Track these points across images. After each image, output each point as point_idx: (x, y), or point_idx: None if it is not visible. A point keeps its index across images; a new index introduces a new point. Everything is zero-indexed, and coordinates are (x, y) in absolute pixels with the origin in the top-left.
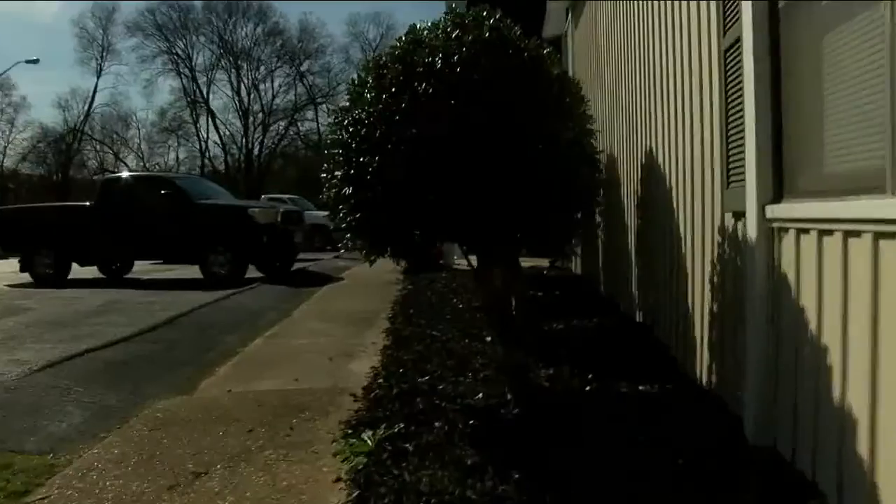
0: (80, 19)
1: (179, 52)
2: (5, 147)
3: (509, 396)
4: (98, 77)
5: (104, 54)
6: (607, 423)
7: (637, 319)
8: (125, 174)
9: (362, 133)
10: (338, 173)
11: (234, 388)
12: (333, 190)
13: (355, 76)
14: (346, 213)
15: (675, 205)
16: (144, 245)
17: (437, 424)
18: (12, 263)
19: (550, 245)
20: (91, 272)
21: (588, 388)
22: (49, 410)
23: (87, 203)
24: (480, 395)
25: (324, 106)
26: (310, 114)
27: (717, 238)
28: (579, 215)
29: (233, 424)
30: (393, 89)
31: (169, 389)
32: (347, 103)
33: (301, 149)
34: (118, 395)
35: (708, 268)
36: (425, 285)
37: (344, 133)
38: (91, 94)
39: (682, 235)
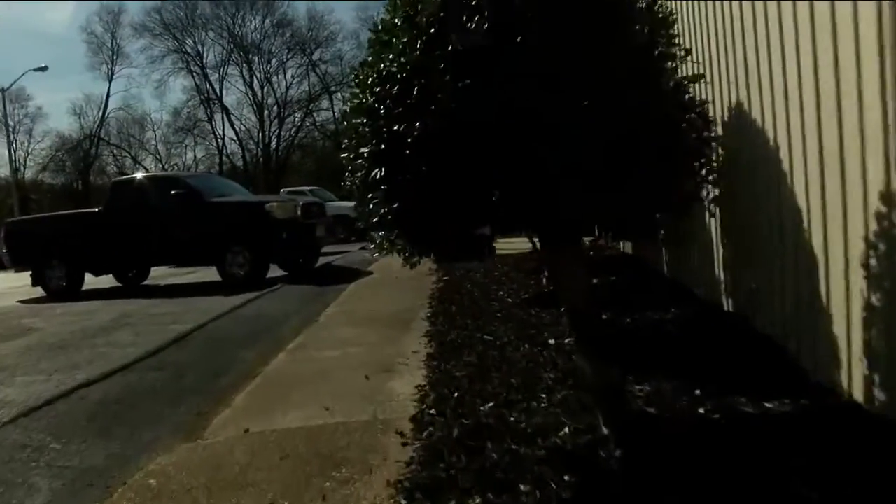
0: (87, 24)
1: (189, 51)
2: (25, 158)
3: (605, 431)
4: (110, 81)
5: (114, 58)
6: (753, 468)
7: (726, 308)
8: (134, 176)
9: (394, 92)
10: (364, 150)
11: (251, 427)
12: (359, 174)
13: (379, 20)
14: (378, 204)
15: (790, 167)
16: (158, 250)
17: (522, 489)
18: (27, 278)
19: (643, 228)
20: (108, 281)
21: (702, 410)
22: (6, 486)
23: (97, 209)
24: (566, 429)
25: (338, 94)
26: (325, 103)
27: (881, 207)
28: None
29: (248, 491)
30: (432, 29)
31: (173, 433)
32: (370, 57)
33: (318, 139)
34: (107, 450)
35: (861, 247)
36: (463, 275)
37: (369, 95)
38: (104, 98)
39: (809, 205)
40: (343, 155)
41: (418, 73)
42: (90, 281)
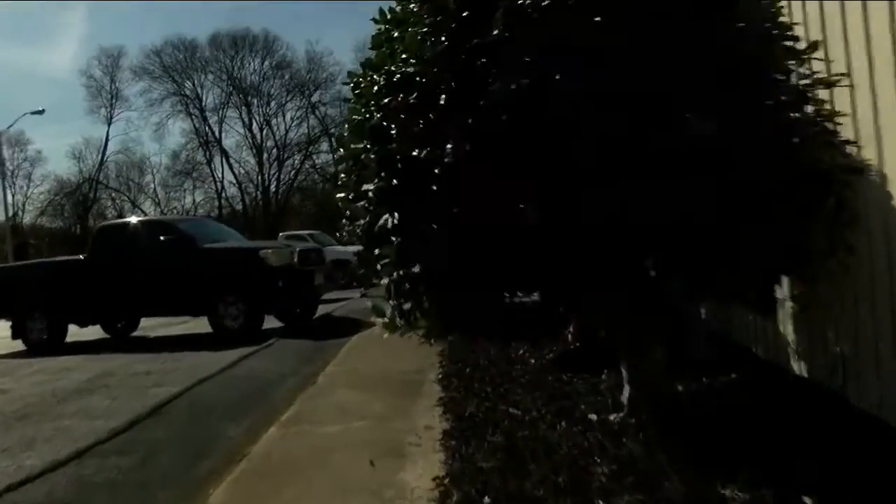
0: (87, 68)
1: (188, 93)
2: (24, 203)
3: None
4: (109, 125)
5: (113, 101)
6: None
7: (797, 372)
8: (120, 221)
9: (411, 101)
10: (368, 187)
11: None
12: (363, 221)
13: (382, 11)
14: (388, 266)
15: None
16: (146, 299)
17: None
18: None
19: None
20: (95, 332)
21: None
22: None
23: (81, 256)
24: None
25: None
26: (324, 146)
27: None
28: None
29: None
30: (466, 12)
31: None
32: (374, 56)
33: (318, 182)
34: None
35: None
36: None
37: (374, 110)
38: (103, 142)
39: None
40: (339, 195)
41: (446, 74)
42: (77, 333)
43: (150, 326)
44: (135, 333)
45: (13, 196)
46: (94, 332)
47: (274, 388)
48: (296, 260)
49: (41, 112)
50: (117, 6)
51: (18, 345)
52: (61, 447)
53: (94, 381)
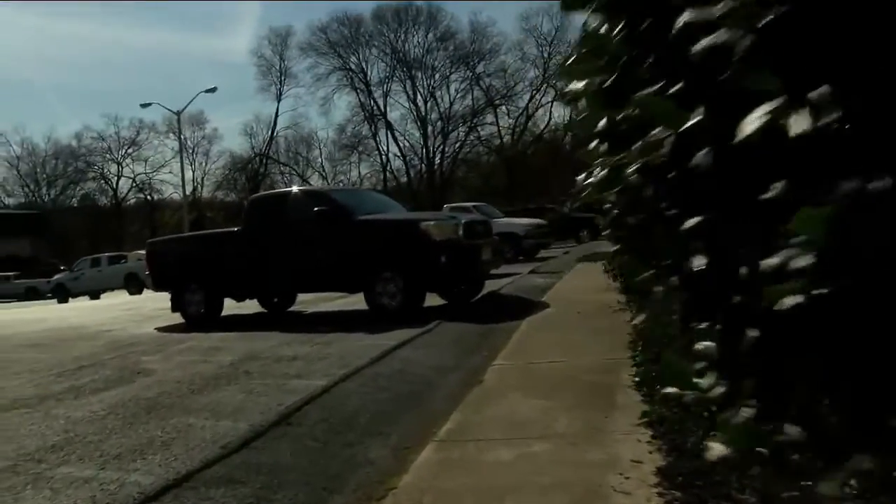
0: (258, 48)
1: (353, 67)
2: (203, 178)
3: None
4: (278, 101)
5: (282, 79)
6: None
7: None
8: (273, 192)
9: None
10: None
11: None
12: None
13: None
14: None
15: None
16: (299, 274)
17: None
18: None
19: None
20: (253, 306)
21: None
22: None
23: (235, 229)
24: None
25: (503, 107)
26: (489, 117)
27: None
28: None
29: None
30: None
31: None
32: None
33: (483, 154)
34: None
35: None
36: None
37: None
38: (273, 118)
39: None
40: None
41: None
42: (236, 307)
43: (308, 301)
44: (291, 308)
45: (193, 172)
46: (252, 306)
47: (432, 389)
48: (461, 233)
49: (213, 90)
50: None
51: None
52: (170, 461)
53: (237, 365)
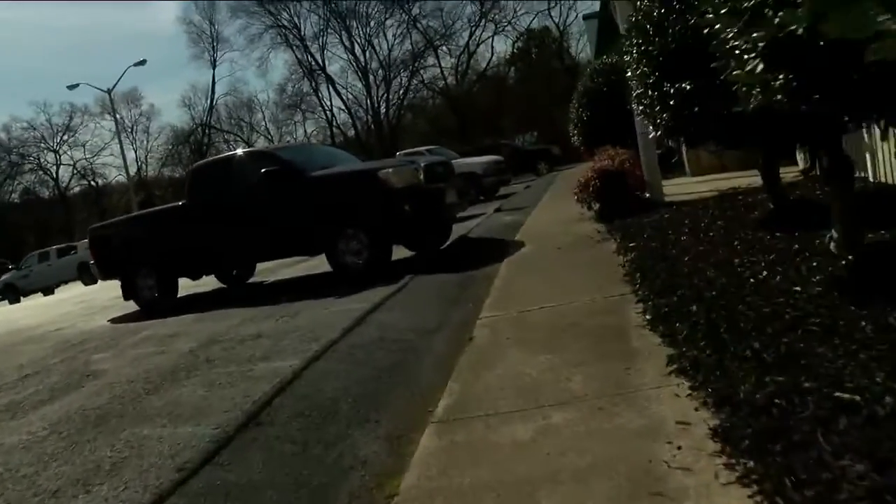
0: (185, 15)
1: (286, 24)
2: (146, 156)
3: None
4: (214, 68)
5: (214, 44)
6: None
7: None
8: (215, 158)
9: None
10: None
11: None
12: None
13: None
14: None
15: None
16: (253, 242)
17: None
18: None
19: None
20: (211, 282)
21: None
22: None
23: (180, 203)
24: None
25: (444, 48)
26: (431, 60)
27: None
28: None
29: None
30: None
31: None
32: None
33: (429, 98)
34: None
35: None
36: (652, 237)
37: None
38: (210, 85)
39: None
40: None
41: None
42: (191, 285)
43: (268, 269)
44: (252, 280)
45: (135, 151)
46: (210, 283)
47: (418, 356)
48: (422, 177)
49: (143, 63)
50: None
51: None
52: (120, 490)
53: (196, 352)
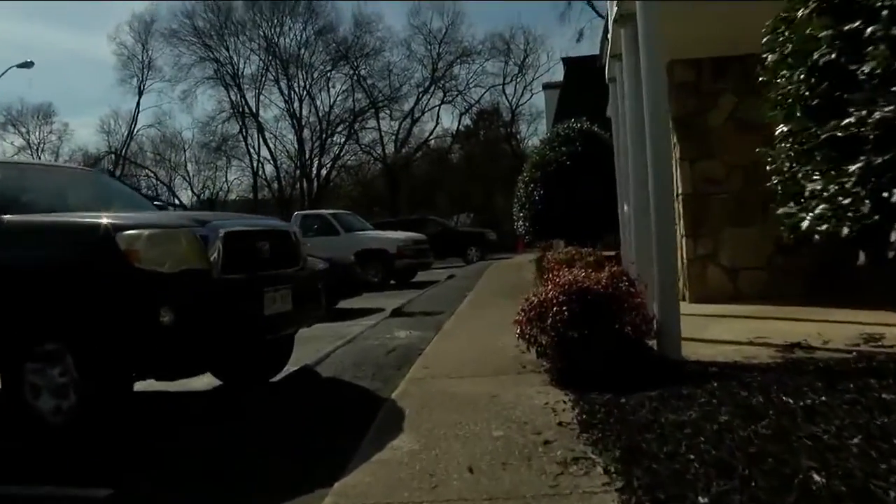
0: (116, 34)
1: (221, 60)
2: None
3: None
4: (139, 95)
5: (145, 71)
6: None
7: None
8: None
9: None
10: None
11: None
12: None
13: None
14: None
15: None
16: None
17: None
18: None
19: None
20: None
21: None
22: None
23: None
24: None
25: (386, 110)
26: (371, 122)
27: None
28: None
29: None
30: None
31: None
32: None
33: (365, 161)
34: None
35: None
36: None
37: None
38: (133, 113)
39: None
40: None
41: None
42: None
43: None
44: None
45: None
46: None
47: None
48: (217, 254)
49: (30, 65)
50: None
51: None
52: None
53: None
